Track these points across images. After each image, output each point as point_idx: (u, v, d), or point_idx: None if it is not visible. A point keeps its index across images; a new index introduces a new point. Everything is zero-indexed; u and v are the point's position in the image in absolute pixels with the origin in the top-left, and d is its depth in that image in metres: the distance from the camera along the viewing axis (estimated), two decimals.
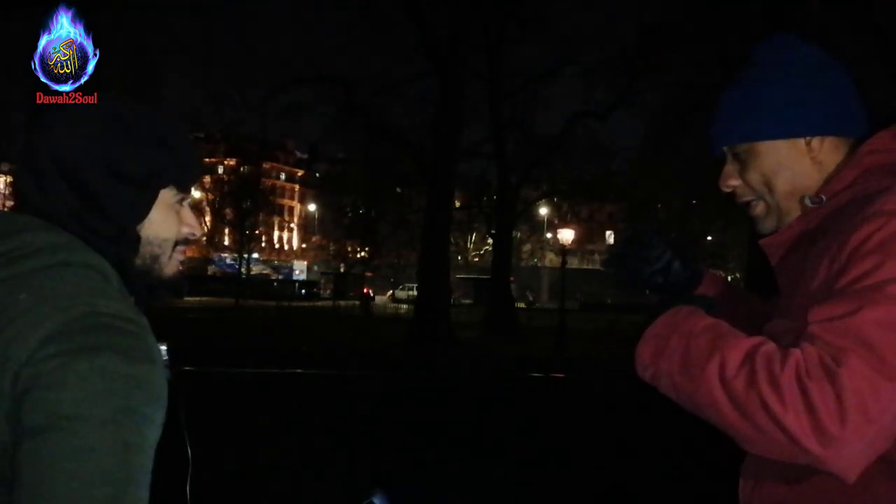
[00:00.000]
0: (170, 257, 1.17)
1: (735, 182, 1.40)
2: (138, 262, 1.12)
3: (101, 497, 0.87)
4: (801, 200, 1.34)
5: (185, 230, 1.18)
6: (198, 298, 39.73)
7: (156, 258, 1.14)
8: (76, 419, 0.88)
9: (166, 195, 1.14)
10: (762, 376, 1.10)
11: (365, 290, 47.94)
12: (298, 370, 13.11)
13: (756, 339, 1.16)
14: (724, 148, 1.41)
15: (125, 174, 1.08)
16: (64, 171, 1.06)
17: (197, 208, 52.86)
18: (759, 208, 1.40)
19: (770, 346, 1.14)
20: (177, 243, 1.18)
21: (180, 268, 1.20)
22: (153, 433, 0.95)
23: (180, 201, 1.17)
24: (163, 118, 1.15)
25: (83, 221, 1.06)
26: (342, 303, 41.10)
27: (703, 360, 1.16)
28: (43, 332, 0.92)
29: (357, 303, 40.68)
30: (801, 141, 1.34)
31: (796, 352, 1.11)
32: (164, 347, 1.09)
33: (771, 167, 1.35)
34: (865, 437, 1.05)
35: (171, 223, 1.15)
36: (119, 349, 0.93)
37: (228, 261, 59.94)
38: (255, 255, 47.23)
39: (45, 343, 0.91)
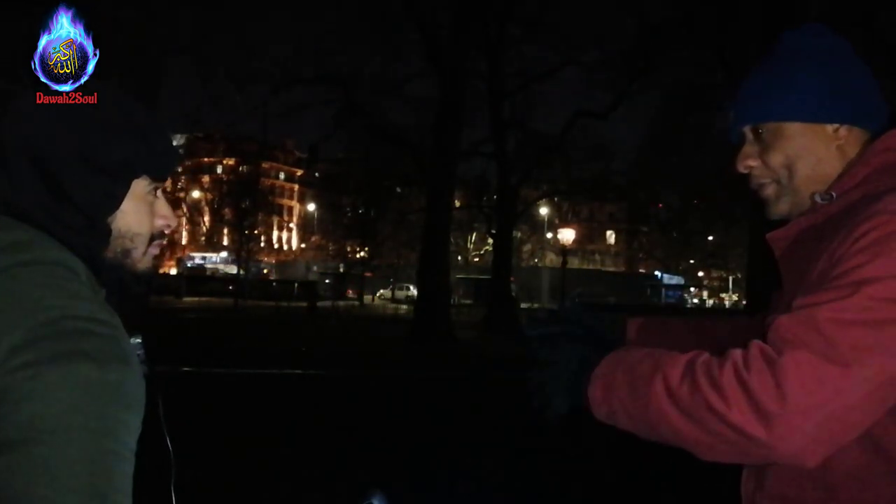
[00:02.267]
0: (143, 252, 1.13)
1: (754, 163, 1.39)
2: (109, 255, 1.08)
3: None
4: (812, 196, 1.33)
5: (160, 222, 1.14)
6: (196, 299, 39.69)
7: (127, 252, 1.10)
8: (51, 431, 0.84)
9: (139, 186, 1.10)
10: (703, 381, 1.11)
11: (352, 291, 47.68)
12: (297, 370, 13.10)
13: (694, 352, 1.18)
14: (746, 128, 1.39)
15: (97, 162, 1.04)
16: (33, 159, 1.01)
17: (196, 207, 52.99)
18: (770, 189, 1.38)
19: (707, 356, 1.16)
20: (152, 238, 1.14)
21: (154, 263, 1.16)
22: (131, 439, 0.91)
23: (154, 191, 1.13)
24: (136, 104, 1.10)
25: (52, 213, 1.02)
26: (300, 303, 40.81)
27: (648, 380, 1.17)
28: (11, 341, 0.87)
29: (356, 302, 40.55)
30: (830, 128, 1.33)
31: (735, 352, 1.13)
32: (137, 341, 1.05)
33: (796, 150, 1.34)
34: (811, 418, 1.05)
35: (143, 215, 1.11)
36: (91, 354, 0.89)
37: (198, 259, 59.90)
38: (224, 254, 47.04)
39: (14, 353, 0.86)
